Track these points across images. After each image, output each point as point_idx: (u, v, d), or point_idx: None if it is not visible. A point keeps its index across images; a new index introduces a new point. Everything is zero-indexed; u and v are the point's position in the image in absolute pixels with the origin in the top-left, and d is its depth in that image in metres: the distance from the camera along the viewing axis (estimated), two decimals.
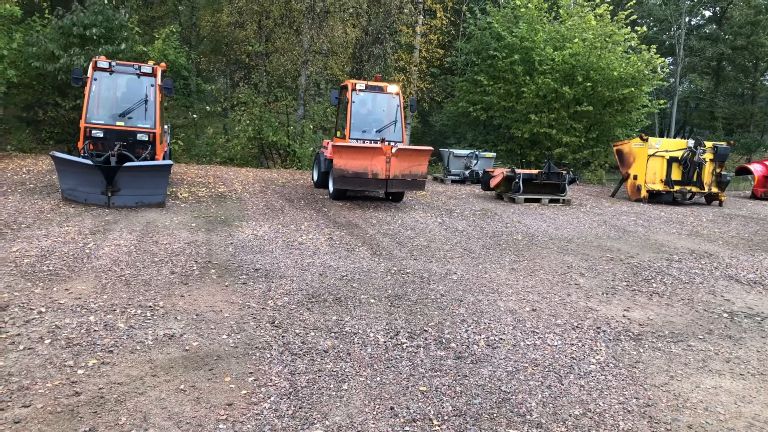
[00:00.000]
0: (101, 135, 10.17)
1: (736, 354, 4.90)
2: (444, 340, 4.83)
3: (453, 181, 17.27)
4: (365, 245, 8.05)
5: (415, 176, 10.56)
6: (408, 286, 6.29)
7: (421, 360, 4.44)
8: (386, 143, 11.11)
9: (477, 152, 17.60)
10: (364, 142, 11.41)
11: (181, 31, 22.02)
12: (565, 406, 3.87)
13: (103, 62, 10.52)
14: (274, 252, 7.36)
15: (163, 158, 11.02)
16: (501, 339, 4.94)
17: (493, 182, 13.54)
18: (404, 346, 4.68)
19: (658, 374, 4.43)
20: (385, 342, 4.73)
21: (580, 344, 4.94)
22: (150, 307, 5.16)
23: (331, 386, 3.92)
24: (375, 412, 3.62)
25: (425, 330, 5.03)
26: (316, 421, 3.48)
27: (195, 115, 22.09)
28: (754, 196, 16.88)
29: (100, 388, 3.69)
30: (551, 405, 3.87)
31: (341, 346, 4.59)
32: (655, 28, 32.63)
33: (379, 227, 9.37)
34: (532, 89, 18.52)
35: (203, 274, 6.25)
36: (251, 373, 4.03)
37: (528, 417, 3.69)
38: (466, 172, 17.29)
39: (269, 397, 3.71)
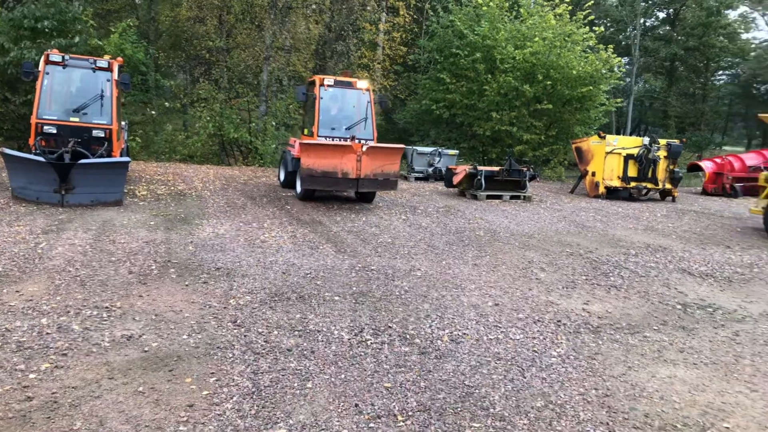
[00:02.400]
0: (54, 131, 9.80)
1: (690, 344, 5.06)
2: (408, 336, 4.84)
3: (416, 179, 17.35)
4: (329, 242, 8.00)
5: (387, 175, 10.20)
6: (372, 282, 6.29)
7: (386, 356, 4.43)
8: (356, 141, 10.73)
9: (440, 150, 17.71)
10: (333, 140, 10.94)
11: (138, 25, 21.43)
12: (528, 398, 3.92)
13: (55, 56, 10.15)
14: (236, 250, 7.24)
15: (120, 155, 10.71)
16: (464, 334, 4.98)
17: (455, 179, 13.65)
18: (369, 342, 4.67)
19: (616, 365, 4.54)
20: (349, 339, 4.71)
21: (541, 338, 5.02)
22: (107, 308, 5.01)
23: (295, 385, 3.88)
24: (340, 410, 3.60)
25: (390, 326, 5.03)
26: (279, 420, 3.43)
27: (154, 112, 21.54)
28: (704, 192, 17.48)
29: (53, 393, 3.56)
30: (514, 398, 3.92)
31: (305, 344, 4.55)
32: (612, 29, 33.42)
33: (344, 224, 9.33)
34: (493, 87, 18.74)
35: (162, 274, 6.10)
36: (213, 373, 3.96)
37: (491, 410, 3.73)
38: (430, 170, 17.39)
39: (231, 398, 3.65)
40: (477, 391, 3.98)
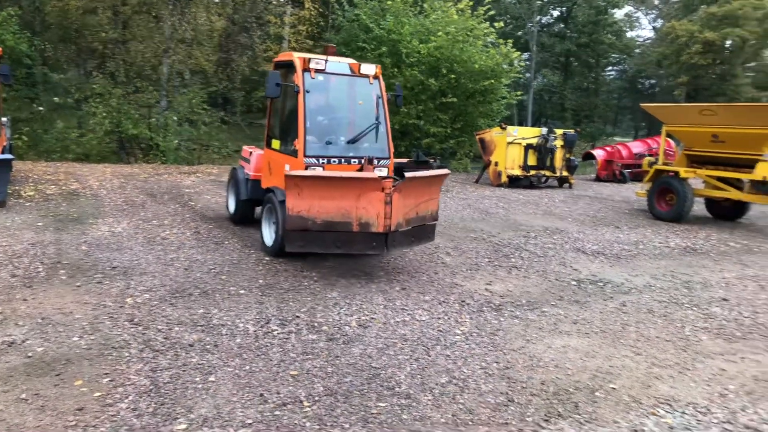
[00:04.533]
0: None
1: (583, 316, 5.39)
2: (316, 324, 4.82)
3: None
4: (236, 237, 7.80)
5: (423, 219, 6.47)
6: (280, 275, 6.19)
7: (293, 345, 4.39)
8: (374, 164, 6.66)
9: None
10: (328, 162, 6.72)
11: (21, 15, 19.80)
12: (432, 375, 4.02)
13: None
14: (134, 249, 6.88)
15: (2, 153, 9.87)
16: (372, 318, 5.03)
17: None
18: (275, 333, 4.60)
19: (516, 339, 4.75)
20: (255, 331, 4.61)
21: (446, 317, 5.16)
22: None
23: (197, 379, 3.75)
24: (244, 401, 3.52)
25: (297, 316, 4.98)
26: (179, 416, 3.31)
27: (42, 108, 20.01)
28: (598, 179, 18.66)
29: None
30: (419, 376, 4.00)
31: (208, 338, 4.41)
32: (511, 25, 34.84)
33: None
34: (400, 81, 18.98)
35: (51, 276, 5.69)
36: (106, 374, 3.74)
37: (397, 389, 3.79)
38: None
39: (127, 397, 3.47)
40: (383, 372, 4.03)
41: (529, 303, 5.70)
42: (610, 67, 41.79)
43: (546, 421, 3.48)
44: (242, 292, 5.55)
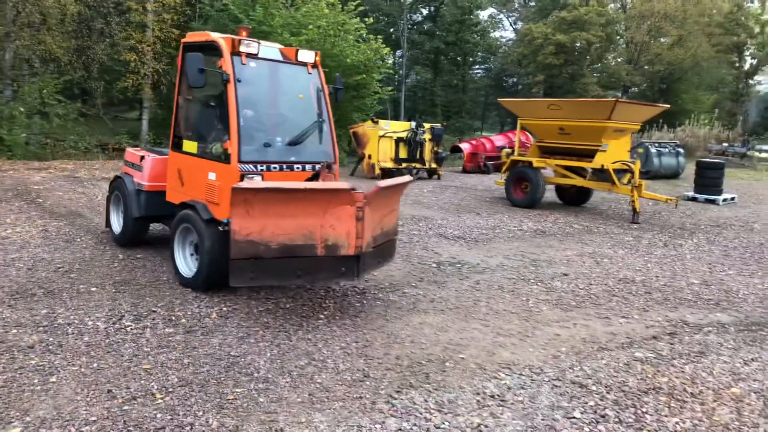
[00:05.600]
0: None
1: (440, 295, 5.73)
2: (174, 318, 4.68)
3: None
4: (89, 234, 7.31)
5: (387, 234, 5.48)
6: (138, 270, 5.92)
7: (147, 340, 4.24)
8: (328, 171, 5.59)
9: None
10: (267, 169, 5.39)
11: None
12: (292, 359, 4.08)
13: None
14: None
15: None
16: (234, 309, 4.98)
17: None
18: (128, 329, 4.41)
19: (376, 319, 4.95)
20: (106, 328, 4.39)
21: (311, 304, 5.24)
22: None
23: (35, 381, 3.51)
24: (89, 398, 3.36)
25: (154, 311, 4.81)
26: (14, 419, 3.09)
27: None
28: (464, 170, 19.70)
29: None
30: (279, 360, 4.05)
31: (51, 339, 4.13)
32: (383, 22, 35.62)
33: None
34: None
35: None
36: None
37: (255, 375, 3.81)
38: None
39: None
40: (242, 359, 4.03)
41: (391, 285, 5.94)
42: (476, 66, 44.16)
43: (398, 392, 3.68)
44: (94, 289, 5.24)
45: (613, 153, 11.19)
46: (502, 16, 45.06)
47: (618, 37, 37.99)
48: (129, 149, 7.21)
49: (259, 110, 5.82)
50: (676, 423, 3.47)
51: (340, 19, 19.70)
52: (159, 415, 3.24)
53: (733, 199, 14.05)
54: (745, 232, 10.05)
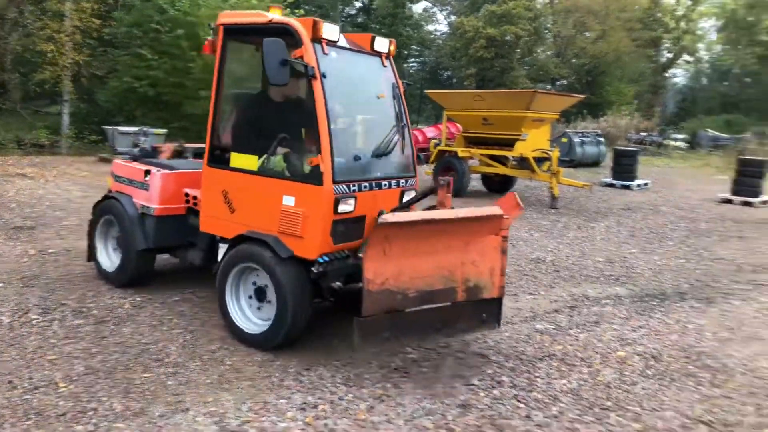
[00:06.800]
0: None
1: None
2: (84, 310, 4.63)
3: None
4: (0, 230, 7.04)
5: None
6: (48, 265, 5.77)
7: (54, 332, 4.18)
8: (447, 188, 4.34)
9: (146, 129, 16.78)
10: (359, 189, 4.20)
11: None
12: (204, 344, 4.14)
13: None
14: None
15: None
16: (149, 299, 4.96)
17: (162, 156, 13.10)
18: (34, 322, 4.33)
19: None
20: (10, 322, 4.30)
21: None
22: None
23: None
24: None
25: (63, 304, 4.73)
26: None
27: None
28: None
29: None
30: (191, 346, 4.09)
31: None
32: (316, 13, 35.47)
33: (20, 210, 8.24)
34: (199, 65, 18.33)
35: None
36: None
37: (166, 360, 3.85)
38: (135, 150, 16.33)
39: None
40: (153, 346, 4.05)
41: None
42: (411, 59, 44.63)
43: (307, 370, 3.81)
44: (0, 285, 5.09)
45: (533, 142, 11.68)
46: (435, 9, 45.71)
47: (546, 31, 39.31)
48: (118, 161, 5.65)
49: (342, 113, 4.42)
50: (564, 384, 3.77)
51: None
52: (61, 403, 3.23)
53: (646, 184, 14.94)
54: (653, 214, 10.75)
